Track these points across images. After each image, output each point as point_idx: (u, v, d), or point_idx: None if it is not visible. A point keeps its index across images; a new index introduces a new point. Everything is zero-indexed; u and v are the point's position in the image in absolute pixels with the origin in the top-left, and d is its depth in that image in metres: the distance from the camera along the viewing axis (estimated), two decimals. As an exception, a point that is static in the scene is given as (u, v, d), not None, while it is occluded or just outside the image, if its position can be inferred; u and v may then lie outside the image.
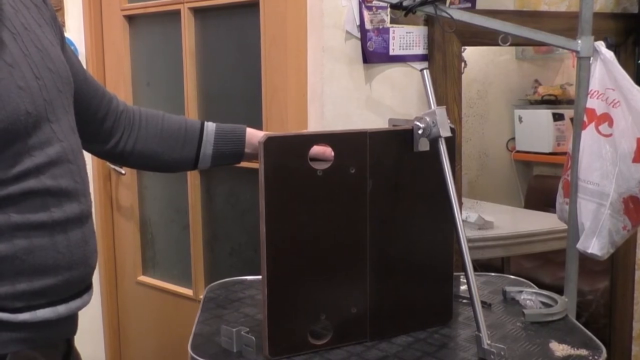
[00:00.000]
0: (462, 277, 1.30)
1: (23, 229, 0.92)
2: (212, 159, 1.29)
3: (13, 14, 0.97)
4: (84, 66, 1.27)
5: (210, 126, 1.29)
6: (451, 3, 1.79)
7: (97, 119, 1.21)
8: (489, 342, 1.00)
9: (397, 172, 1.10)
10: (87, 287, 1.05)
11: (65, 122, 1.01)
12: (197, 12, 2.01)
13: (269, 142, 0.99)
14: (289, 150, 1.01)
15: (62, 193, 0.97)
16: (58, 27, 1.11)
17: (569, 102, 3.38)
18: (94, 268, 1.05)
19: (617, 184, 1.39)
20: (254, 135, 1.29)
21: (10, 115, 0.89)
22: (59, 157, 0.97)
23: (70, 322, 1.04)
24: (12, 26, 0.95)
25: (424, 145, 1.10)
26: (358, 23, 1.72)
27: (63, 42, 1.12)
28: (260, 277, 1.02)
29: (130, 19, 2.22)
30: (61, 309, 0.98)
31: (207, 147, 1.28)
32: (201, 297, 1.36)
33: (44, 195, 0.94)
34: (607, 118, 1.41)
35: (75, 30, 2.32)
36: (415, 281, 1.14)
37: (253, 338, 1.04)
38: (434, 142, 1.09)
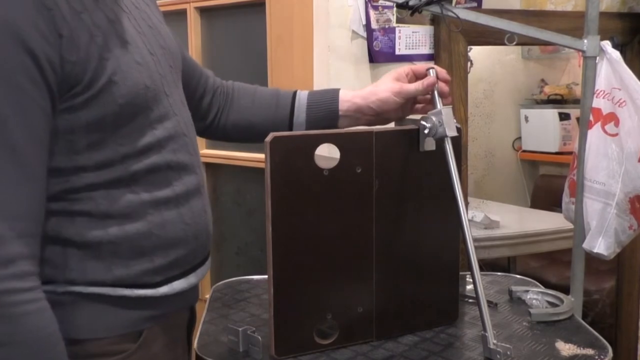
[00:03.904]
0: (468, 276, 1.30)
1: (153, 205, 0.95)
2: (307, 124, 1.26)
3: None
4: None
5: (303, 93, 1.27)
6: (457, 2, 1.79)
7: (196, 96, 1.24)
8: (495, 341, 1.00)
9: (403, 172, 1.10)
10: (208, 254, 1.09)
11: (176, 96, 1.04)
12: (203, 11, 2.02)
13: (275, 141, 0.99)
14: (296, 149, 1.01)
15: (181, 167, 0.99)
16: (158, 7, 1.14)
17: (575, 102, 3.37)
18: (212, 235, 1.10)
19: (624, 183, 1.38)
20: (348, 94, 1.23)
21: (131, 89, 0.91)
22: (175, 131, 0.99)
23: (196, 290, 1.08)
24: (124, 5, 0.97)
25: (430, 145, 1.10)
26: (364, 22, 1.72)
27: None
28: (266, 276, 1.03)
29: (136, 18, 2.22)
30: (192, 279, 1.02)
31: (300, 115, 1.25)
32: (207, 296, 1.36)
33: (166, 170, 0.97)
34: (613, 117, 1.41)
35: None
36: (421, 280, 1.14)
37: (259, 337, 1.04)
38: (440, 141, 1.09)
